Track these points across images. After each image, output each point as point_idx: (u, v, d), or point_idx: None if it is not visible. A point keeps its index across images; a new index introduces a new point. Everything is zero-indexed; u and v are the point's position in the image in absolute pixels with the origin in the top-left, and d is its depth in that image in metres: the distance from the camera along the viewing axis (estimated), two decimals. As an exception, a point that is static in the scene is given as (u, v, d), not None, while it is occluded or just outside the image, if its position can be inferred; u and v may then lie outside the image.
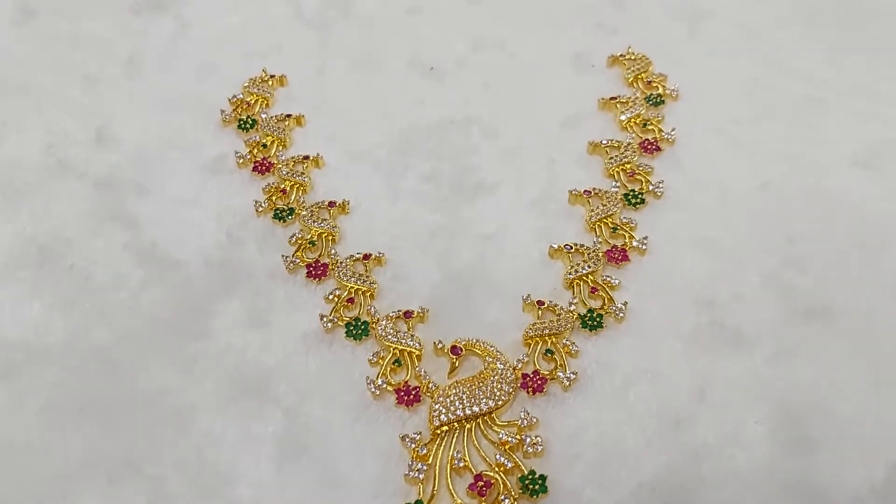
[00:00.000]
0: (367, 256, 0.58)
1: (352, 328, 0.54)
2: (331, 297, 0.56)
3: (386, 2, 0.81)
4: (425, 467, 0.47)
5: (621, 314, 0.54)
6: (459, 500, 0.46)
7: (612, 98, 0.70)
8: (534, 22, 0.78)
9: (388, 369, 0.52)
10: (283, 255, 0.58)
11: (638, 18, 0.78)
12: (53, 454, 0.49)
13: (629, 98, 0.70)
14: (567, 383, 0.51)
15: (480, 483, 0.46)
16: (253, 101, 0.71)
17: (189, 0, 0.81)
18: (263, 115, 0.70)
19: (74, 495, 0.47)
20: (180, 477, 0.48)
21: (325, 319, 0.54)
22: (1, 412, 0.51)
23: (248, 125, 0.69)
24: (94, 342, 0.54)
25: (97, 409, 0.51)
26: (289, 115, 0.70)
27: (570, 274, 0.57)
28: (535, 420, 0.49)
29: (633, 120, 0.68)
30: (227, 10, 0.80)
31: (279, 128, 0.69)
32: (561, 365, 0.52)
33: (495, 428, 0.49)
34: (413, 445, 0.48)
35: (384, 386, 0.51)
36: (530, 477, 0.46)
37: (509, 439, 0.48)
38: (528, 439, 0.48)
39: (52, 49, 0.76)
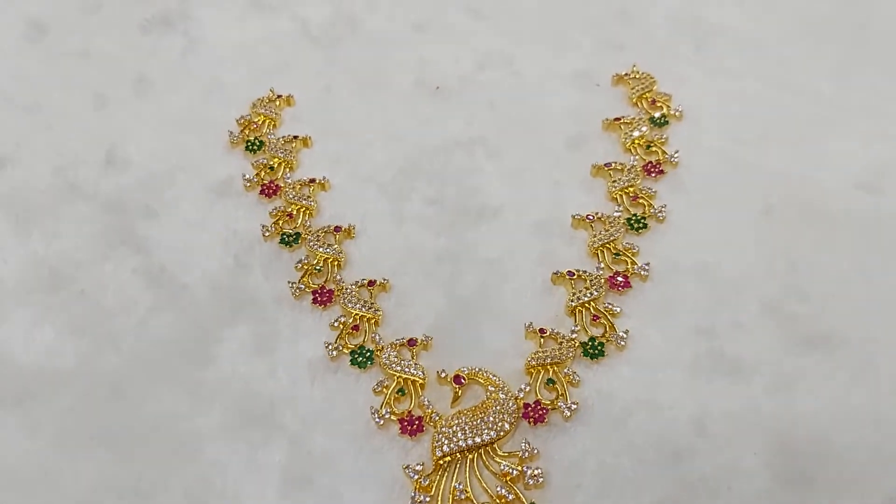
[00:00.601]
0: (371, 283, 0.59)
1: (357, 356, 0.55)
2: (336, 324, 0.57)
3: (393, 18, 0.81)
4: (428, 499, 0.48)
5: (622, 342, 0.55)
6: (461, 532, 0.47)
7: (616, 119, 0.71)
8: (540, 38, 0.79)
9: (392, 398, 0.53)
10: (289, 282, 0.59)
11: (644, 34, 0.78)
12: (66, 481, 0.50)
13: (633, 119, 0.71)
14: (568, 413, 0.52)
15: (482, 515, 0.47)
16: (260, 122, 0.72)
17: (197, 17, 0.81)
18: (271, 137, 0.71)
19: (85, 523, 0.48)
20: (188, 505, 0.49)
21: (330, 347, 0.55)
22: (15, 439, 0.52)
23: (255, 147, 0.70)
24: (104, 368, 0.56)
25: (108, 436, 0.52)
26: (296, 137, 0.71)
27: (571, 301, 0.57)
28: (535, 451, 0.50)
29: (636, 141, 0.69)
30: (235, 27, 0.81)
31: (286, 149, 0.69)
32: (562, 395, 0.53)
33: (497, 459, 0.50)
34: (416, 476, 0.49)
35: (388, 416, 0.52)
36: (530, 509, 0.47)
37: (510, 471, 0.49)
38: (529, 471, 0.49)
39: (63, 67, 0.77)
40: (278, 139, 0.71)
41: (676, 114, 0.71)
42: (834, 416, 0.51)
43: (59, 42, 0.80)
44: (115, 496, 0.50)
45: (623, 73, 0.75)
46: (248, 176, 0.67)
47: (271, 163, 0.68)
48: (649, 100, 0.73)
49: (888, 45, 0.74)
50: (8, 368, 0.56)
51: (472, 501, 0.48)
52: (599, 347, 0.55)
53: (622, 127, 0.70)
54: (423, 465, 0.50)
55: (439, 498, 0.49)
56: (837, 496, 0.48)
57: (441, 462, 0.50)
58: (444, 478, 0.49)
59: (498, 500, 0.48)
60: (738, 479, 0.49)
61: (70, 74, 0.77)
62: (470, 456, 0.50)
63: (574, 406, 0.52)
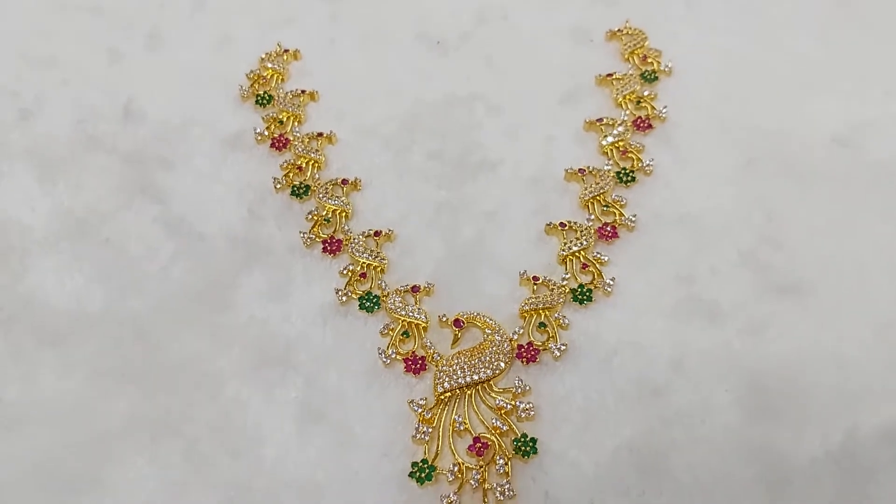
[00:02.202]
0: (377, 233, 0.63)
1: (364, 301, 0.60)
2: (345, 271, 0.61)
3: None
4: (430, 430, 0.53)
5: (609, 289, 0.60)
6: (459, 460, 0.52)
7: (608, 75, 0.74)
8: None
9: (398, 340, 0.58)
10: (300, 232, 0.64)
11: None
12: (100, 415, 0.55)
13: (624, 75, 0.74)
14: (558, 354, 0.56)
15: (478, 444, 0.52)
16: (269, 76, 0.75)
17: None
18: (280, 91, 0.74)
19: (120, 452, 0.54)
20: (212, 437, 0.54)
21: (340, 293, 0.60)
22: (52, 377, 0.57)
23: (265, 101, 0.73)
24: (130, 312, 0.60)
25: (136, 374, 0.57)
26: (303, 91, 0.74)
27: (563, 251, 0.62)
28: (528, 388, 0.55)
29: (627, 97, 0.72)
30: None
31: (294, 103, 0.73)
32: (553, 337, 0.57)
33: (492, 394, 0.55)
34: (419, 410, 0.54)
35: (394, 356, 0.57)
36: (522, 440, 0.52)
37: (505, 405, 0.54)
38: (522, 405, 0.54)
39: (76, 22, 0.80)
40: (286, 93, 0.74)
41: (666, 69, 0.74)
42: (801, 358, 0.56)
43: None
44: (145, 428, 0.55)
45: (616, 29, 0.78)
46: (258, 130, 0.71)
47: (280, 117, 0.72)
48: (640, 55, 0.76)
49: (871, 6, 0.77)
50: (42, 312, 0.60)
51: (470, 432, 0.53)
52: (588, 293, 0.59)
53: (614, 83, 0.73)
54: (425, 399, 0.55)
55: (440, 429, 0.54)
56: (801, 430, 0.53)
57: (442, 397, 0.55)
58: (445, 411, 0.55)
59: (493, 431, 0.53)
60: (711, 413, 0.54)
61: (83, 28, 0.79)
62: (468, 392, 0.55)
63: (563, 347, 0.57)
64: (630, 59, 0.76)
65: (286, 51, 0.77)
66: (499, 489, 0.51)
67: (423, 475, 0.51)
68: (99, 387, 0.56)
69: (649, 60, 0.75)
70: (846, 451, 0.52)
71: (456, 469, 0.52)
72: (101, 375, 0.57)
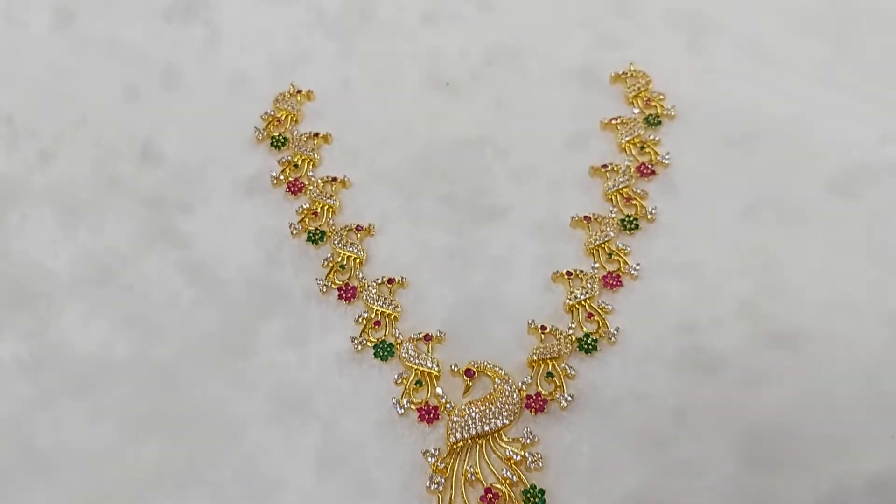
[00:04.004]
0: (391, 280, 0.66)
1: (379, 350, 0.62)
2: (360, 319, 0.64)
3: (402, 7, 0.85)
4: (443, 480, 0.56)
5: (613, 339, 0.62)
6: (472, 509, 0.55)
7: (612, 119, 0.76)
8: (544, 30, 0.83)
9: (411, 389, 0.60)
10: (316, 279, 0.66)
11: (643, 30, 0.83)
12: (129, 462, 0.58)
13: (628, 119, 0.76)
14: (565, 404, 0.59)
15: (489, 495, 0.55)
16: (283, 117, 0.78)
17: (216, 5, 0.85)
18: (294, 133, 0.76)
19: (149, 499, 0.56)
20: (237, 483, 0.57)
21: (355, 341, 0.62)
22: (81, 424, 0.59)
23: (280, 143, 0.76)
24: (154, 358, 0.63)
25: (163, 422, 0.60)
26: (317, 134, 0.76)
27: (569, 299, 0.64)
28: (536, 438, 0.58)
29: (631, 142, 0.74)
30: (254, 16, 0.85)
31: (309, 146, 0.75)
32: (560, 387, 0.60)
33: (502, 444, 0.58)
34: (433, 460, 0.57)
35: (408, 405, 0.59)
36: (532, 490, 0.55)
37: (514, 455, 0.57)
38: (530, 456, 0.57)
39: (93, 57, 0.82)
40: (301, 136, 0.76)
41: (669, 113, 0.77)
42: (795, 407, 0.59)
43: (88, 29, 0.84)
44: (173, 475, 0.57)
45: (620, 72, 0.80)
46: (274, 174, 0.73)
47: (295, 160, 0.74)
48: (645, 98, 0.78)
49: (871, 51, 0.79)
50: (69, 358, 0.63)
51: (482, 482, 0.56)
52: (593, 343, 0.62)
53: (618, 127, 0.76)
54: (438, 449, 0.57)
55: (453, 479, 0.57)
56: (793, 478, 0.56)
57: (455, 447, 0.57)
58: (458, 461, 0.57)
59: (503, 482, 0.56)
60: (711, 463, 0.56)
61: (100, 65, 0.81)
62: (479, 442, 0.58)
63: (570, 398, 0.59)
64: (634, 102, 0.78)
65: (299, 91, 0.80)
66: (509, 538, 0.54)
67: (437, 524, 0.54)
68: (127, 434, 0.59)
69: (653, 104, 0.77)
70: (835, 501, 0.55)
71: (468, 518, 0.55)
72: (129, 422, 0.60)
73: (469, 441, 0.58)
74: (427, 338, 0.63)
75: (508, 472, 0.56)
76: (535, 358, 0.61)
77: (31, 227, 0.70)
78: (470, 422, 0.58)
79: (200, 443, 0.59)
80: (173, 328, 0.64)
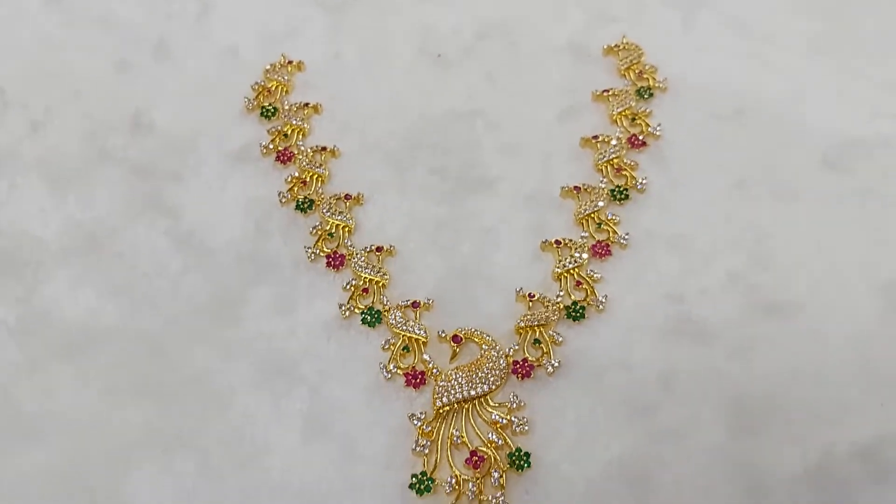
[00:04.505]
0: (379, 249, 0.66)
1: (367, 316, 0.62)
2: (348, 286, 0.64)
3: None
4: (429, 443, 0.56)
5: (601, 307, 0.62)
6: (457, 472, 0.55)
7: (604, 91, 0.76)
8: (537, 6, 0.83)
9: (398, 355, 0.60)
10: (305, 246, 0.66)
11: (637, 6, 0.83)
12: (116, 428, 0.58)
13: (620, 91, 0.76)
14: (551, 370, 0.59)
15: (475, 458, 0.55)
16: (273, 88, 0.77)
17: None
18: (284, 103, 0.76)
19: (135, 464, 0.56)
20: (223, 449, 0.57)
21: (343, 308, 0.62)
22: (69, 389, 0.59)
23: (270, 113, 0.75)
24: (142, 326, 0.63)
25: (150, 389, 0.59)
26: (307, 104, 0.76)
27: (557, 268, 0.64)
28: (522, 403, 0.58)
29: (622, 114, 0.74)
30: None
31: (299, 116, 0.75)
32: (547, 353, 0.60)
33: (488, 409, 0.58)
34: (419, 424, 0.57)
35: (395, 370, 0.59)
36: (517, 454, 0.55)
37: (500, 419, 0.57)
38: (516, 420, 0.57)
39: (85, 31, 0.82)
40: (291, 106, 0.76)
41: (661, 86, 0.76)
42: (784, 377, 0.58)
43: (79, 4, 0.84)
44: (159, 441, 0.57)
45: (613, 44, 0.79)
46: (264, 143, 0.73)
47: (285, 129, 0.74)
48: (637, 71, 0.78)
49: (862, 27, 0.79)
50: (56, 325, 0.63)
51: (467, 446, 0.56)
52: (581, 311, 0.62)
53: (610, 99, 0.75)
54: (425, 413, 0.57)
55: (439, 442, 0.56)
56: (781, 448, 0.55)
57: (441, 411, 0.57)
58: (444, 425, 0.57)
59: (489, 445, 0.56)
60: (697, 431, 0.56)
61: (92, 39, 0.81)
62: (465, 406, 0.58)
63: (557, 364, 0.59)
64: (626, 74, 0.78)
65: (290, 62, 0.79)
66: (494, 501, 0.54)
67: (422, 487, 0.54)
68: (114, 400, 0.59)
69: (645, 76, 0.77)
70: (823, 469, 0.54)
71: (453, 481, 0.55)
72: (116, 388, 0.60)
73: (455, 405, 0.58)
74: (415, 305, 0.63)
75: (494, 436, 0.56)
76: (522, 325, 0.61)
77: (20, 196, 0.70)
78: (456, 386, 0.58)
79: (187, 408, 0.59)
80: (161, 296, 0.64)
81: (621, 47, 0.79)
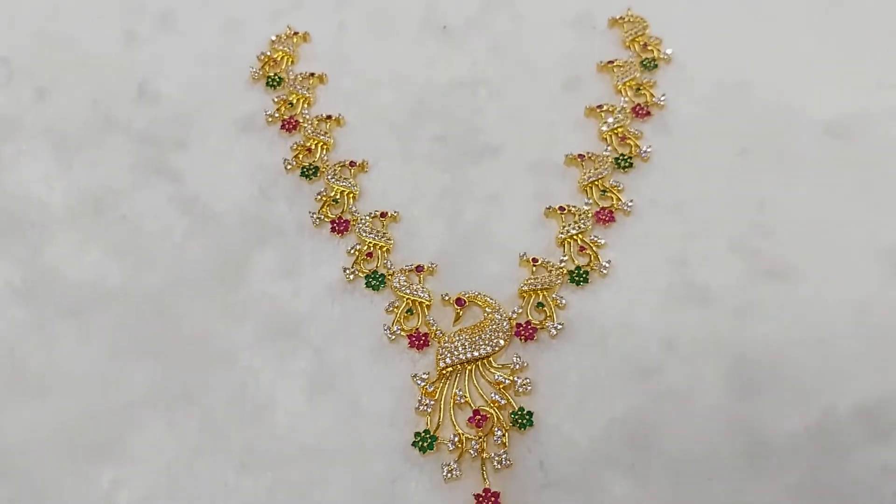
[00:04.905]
0: (383, 214, 0.66)
1: (371, 280, 0.62)
2: (352, 251, 0.64)
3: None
4: (432, 402, 0.56)
5: (605, 271, 0.62)
6: (460, 431, 0.55)
7: (609, 62, 0.76)
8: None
9: (402, 317, 0.60)
10: (310, 212, 0.66)
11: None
12: (120, 385, 0.58)
13: (625, 62, 0.76)
14: (554, 332, 0.59)
15: (478, 416, 0.56)
16: (279, 58, 0.78)
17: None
18: (289, 73, 0.76)
19: (139, 420, 0.57)
20: (227, 406, 0.57)
21: (347, 272, 0.63)
22: (73, 348, 0.60)
23: (275, 83, 0.76)
24: (147, 286, 0.63)
25: (154, 347, 0.60)
26: (312, 74, 0.76)
27: (561, 234, 0.64)
28: (525, 364, 0.58)
29: (627, 84, 0.74)
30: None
31: (304, 86, 0.75)
32: (550, 316, 0.60)
33: (492, 370, 0.58)
34: (422, 383, 0.57)
35: (398, 332, 0.60)
36: (520, 413, 0.56)
37: (503, 380, 0.57)
38: (519, 380, 0.57)
39: (91, 2, 0.82)
40: (296, 76, 0.76)
41: (665, 57, 0.76)
42: (785, 340, 0.58)
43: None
44: (163, 398, 0.58)
45: (618, 17, 0.80)
46: (269, 111, 0.73)
47: (290, 99, 0.74)
48: (641, 43, 0.78)
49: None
50: (61, 285, 0.63)
51: (470, 405, 0.56)
52: (584, 275, 0.62)
53: (615, 70, 0.76)
54: (428, 374, 0.58)
55: (442, 402, 0.57)
56: (782, 407, 0.56)
57: (444, 372, 0.58)
58: (447, 385, 0.58)
59: (492, 405, 0.56)
60: (699, 391, 0.56)
61: (98, 9, 0.81)
62: (469, 367, 0.58)
63: (560, 326, 0.60)
64: (631, 46, 0.78)
65: (296, 33, 0.80)
66: (496, 459, 0.54)
67: (425, 444, 0.55)
68: (118, 358, 0.59)
69: (649, 48, 0.77)
70: (823, 428, 0.55)
71: (456, 439, 0.55)
72: (120, 347, 0.60)
73: (458, 366, 0.58)
74: (419, 269, 0.63)
75: (497, 396, 0.56)
76: (525, 288, 0.61)
77: (26, 161, 0.70)
78: (460, 347, 0.58)
79: (191, 367, 0.59)
80: (166, 259, 0.64)
81: (626, 20, 0.79)
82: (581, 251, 0.64)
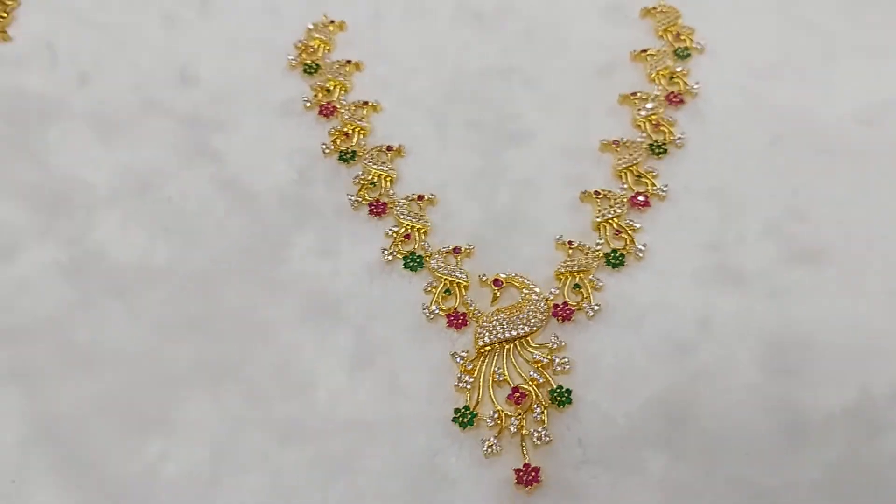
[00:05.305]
0: (421, 197, 0.67)
1: (409, 261, 0.63)
2: (390, 232, 0.65)
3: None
4: (471, 380, 0.57)
5: (641, 254, 0.63)
6: (499, 408, 0.56)
7: (642, 51, 0.77)
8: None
9: (440, 297, 0.62)
10: (348, 195, 0.67)
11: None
12: (165, 360, 0.59)
13: (658, 51, 0.77)
14: (591, 313, 0.60)
15: (517, 394, 0.56)
16: (316, 46, 0.79)
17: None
18: (326, 60, 0.78)
19: (184, 395, 0.58)
20: (269, 380, 0.58)
21: (385, 252, 0.64)
22: (120, 324, 0.61)
23: (312, 70, 0.77)
24: (191, 265, 0.64)
25: (198, 323, 0.61)
26: (349, 61, 0.78)
27: (597, 217, 0.65)
28: (563, 343, 0.59)
29: (660, 73, 0.75)
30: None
31: (341, 73, 0.76)
32: (586, 297, 0.61)
33: (530, 349, 0.59)
34: (461, 361, 0.58)
35: (437, 312, 0.61)
36: (558, 390, 0.56)
37: (541, 359, 0.58)
38: (557, 359, 0.58)
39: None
40: (333, 63, 0.78)
41: (698, 46, 0.77)
42: (820, 321, 0.59)
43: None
44: (208, 372, 0.59)
45: (651, 7, 0.80)
46: (306, 98, 0.74)
47: (327, 85, 0.76)
48: (674, 32, 0.79)
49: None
50: (108, 264, 0.64)
51: (509, 383, 0.57)
52: (620, 258, 0.63)
53: (648, 59, 0.76)
54: (467, 352, 0.59)
55: (481, 379, 0.58)
56: (818, 386, 0.56)
57: (482, 350, 0.59)
58: (485, 364, 0.59)
59: (531, 382, 0.57)
60: (734, 370, 0.57)
61: (139, -5, 0.83)
62: (507, 346, 0.59)
63: (597, 307, 0.60)
64: (664, 35, 0.79)
65: (332, 22, 0.81)
66: (535, 435, 0.55)
67: (465, 420, 0.56)
68: (164, 334, 0.61)
69: (682, 37, 0.78)
70: (859, 407, 0.55)
71: (496, 416, 0.56)
72: (166, 324, 0.61)
73: (497, 345, 0.59)
74: (456, 251, 0.64)
75: (535, 374, 0.57)
76: (562, 270, 0.62)
77: (71, 143, 0.72)
78: (498, 327, 0.59)
79: (235, 343, 0.60)
80: (209, 238, 0.66)
81: (658, 10, 0.80)
82: (617, 235, 0.65)
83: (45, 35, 0.80)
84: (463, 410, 0.56)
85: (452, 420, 0.56)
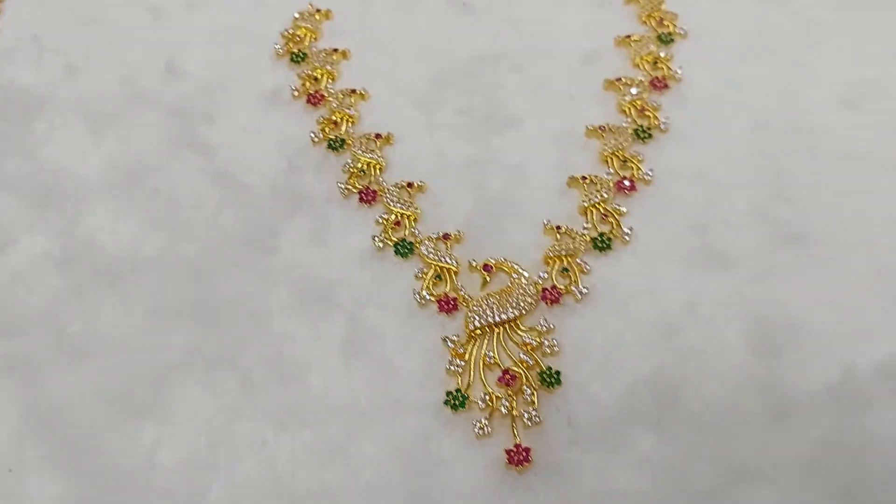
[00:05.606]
0: (410, 184, 0.68)
1: (399, 247, 0.64)
2: (380, 220, 0.66)
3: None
4: (462, 363, 0.58)
5: (627, 238, 0.64)
6: (490, 390, 0.57)
7: (626, 37, 0.78)
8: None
9: (431, 283, 0.62)
10: (337, 182, 0.68)
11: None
12: (159, 348, 0.60)
13: (642, 36, 0.78)
14: (579, 296, 0.61)
15: (507, 376, 0.57)
16: (302, 35, 0.79)
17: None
18: (313, 49, 0.78)
19: (178, 382, 0.58)
20: (263, 367, 0.59)
21: (376, 240, 0.64)
22: (112, 313, 0.61)
23: (299, 58, 0.77)
24: (182, 255, 0.65)
25: (191, 312, 0.62)
26: (335, 50, 0.78)
27: (584, 202, 0.66)
28: (552, 326, 0.60)
29: (644, 58, 0.76)
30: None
31: (328, 61, 0.77)
32: (574, 281, 0.62)
33: (519, 332, 0.60)
34: (452, 345, 0.59)
35: (428, 297, 0.61)
36: (547, 372, 0.57)
37: (531, 341, 0.59)
38: (546, 342, 0.59)
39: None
40: (320, 52, 0.78)
41: (681, 32, 0.78)
42: (804, 303, 0.60)
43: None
44: (201, 360, 0.59)
45: (634, -8, 0.81)
46: (294, 86, 0.75)
47: (315, 74, 0.76)
48: (657, 18, 0.79)
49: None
50: (100, 254, 0.65)
51: (499, 365, 0.58)
52: (607, 242, 0.64)
53: (631, 44, 0.77)
54: (458, 336, 0.59)
55: (472, 363, 0.59)
56: (803, 366, 0.57)
57: (473, 334, 0.60)
58: (476, 347, 0.59)
59: (520, 365, 0.58)
60: (721, 351, 0.58)
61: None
62: (497, 330, 0.60)
63: (584, 290, 0.61)
64: (647, 21, 0.79)
65: (318, 10, 0.81)
66: (526, 416, 0.56)
67: (457, 403, 0.56)
68: (156, 322, 0.61)
69: (665, 23, 0.79)
70: (844, 386, 0.56)
71: (487, 398, 0.57)
72: (159, 312, 0.62)
73: (487, 328, 0.60)
74: (446, 237, 0.65)
75: (525, 356, 0.58)
76: (550, 254, 0.63)
77: (59, 135, 0.72)
78: (488, 311, 0.60)
79: (228, 331, 0.61)
80: (199, 228, 0.66)
81: (642, -5, 0.81)
82: (603, 219, 0.66)
83: (32, 27, 0.79)
84: (455, 393, 0.57)
85: (444, 403, 0.57)
